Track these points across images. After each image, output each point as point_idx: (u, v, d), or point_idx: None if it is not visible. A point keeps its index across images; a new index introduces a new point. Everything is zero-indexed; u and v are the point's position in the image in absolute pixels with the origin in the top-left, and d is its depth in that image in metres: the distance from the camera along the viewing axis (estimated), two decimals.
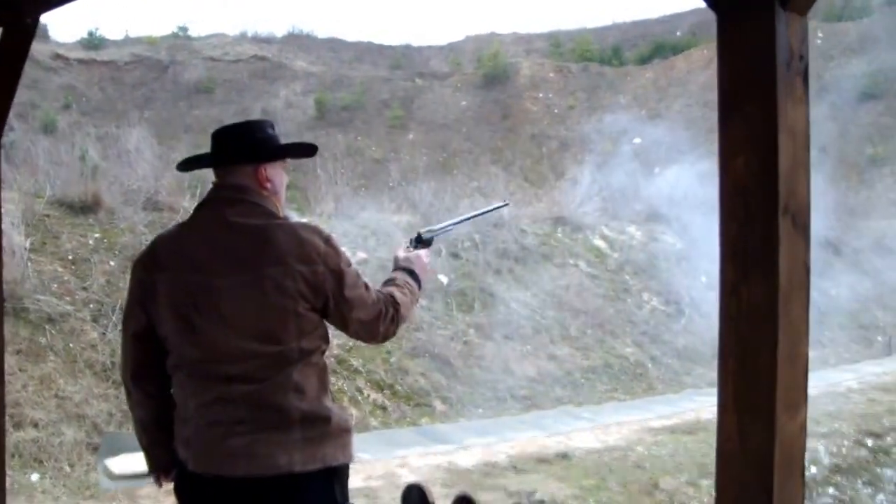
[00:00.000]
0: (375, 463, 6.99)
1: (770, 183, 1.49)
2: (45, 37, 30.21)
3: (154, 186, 10.28)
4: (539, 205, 17.20)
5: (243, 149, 2.44)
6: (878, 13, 31.46)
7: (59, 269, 8.70)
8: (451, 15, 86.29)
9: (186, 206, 10.22)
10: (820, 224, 13.88)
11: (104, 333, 8.04)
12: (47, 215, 9.48)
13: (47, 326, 7.84)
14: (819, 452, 7.04)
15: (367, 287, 2.44)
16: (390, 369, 9.16)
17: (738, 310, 1.55)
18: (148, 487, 5.76)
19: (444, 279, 11.01)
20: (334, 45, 40.21)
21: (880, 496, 6.66)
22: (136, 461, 6.26)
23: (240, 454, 2.24)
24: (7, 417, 6.00)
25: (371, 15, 79.65)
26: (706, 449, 7.41)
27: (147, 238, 9.34)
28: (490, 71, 35.76)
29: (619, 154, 30.38)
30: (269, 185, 2.44)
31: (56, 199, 9.89)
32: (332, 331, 2.47)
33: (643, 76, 36.27)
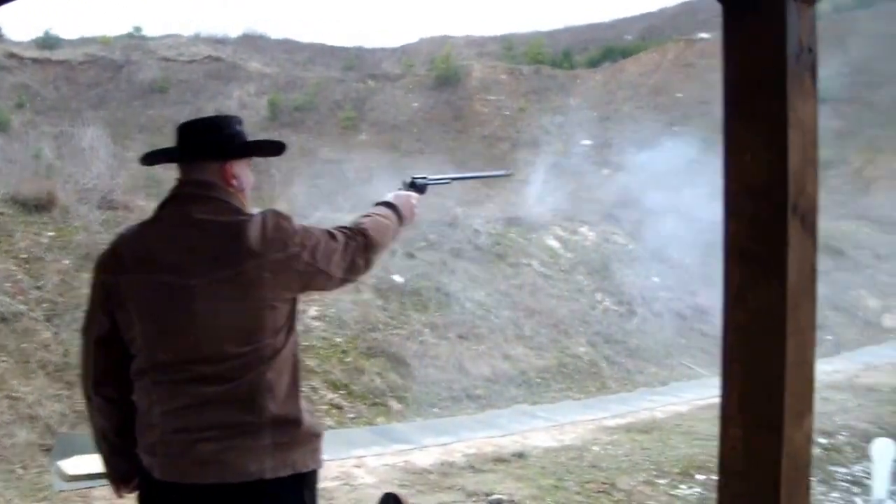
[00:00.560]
0: (331, 463, 6.86)
1: (780, 181, 1.43)
2: None
3: (109, 185, 10.09)
4: (491, 205, 17.21)
5: (210, 144, 2.35)
6: (825, 19, 32.13)
7: (13, 268, 8.55)
8: (403, 17, 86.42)
9: (142, 204, 10.10)
10: None
11: (57, 333, 7.90)
12: (0, 213, 9.31)
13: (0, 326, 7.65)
14: None
15: (333, 237, 2.40)
16: (346, 369, 9.07)
17: (745, 314, 1.48)
18: (102, 489, 5.60)
19: (399, 279, 10.93)
20: (288, 46, 40.25)
21: (834, 494, 6.73)
22: (90, 462, 6.07)
23: (209, 461, 2.15)
24: None
25: (325, 16, 79.41)
26: (662, 448, 7.44)
27: (102, 237, 9.19)
28: (442, 73, 35.89)
29: (569, 155, 30.62)
30: (235, 182, 2.35)
31: (10, 197, 9.74)
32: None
33: (593, 79, 36.61)
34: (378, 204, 2.73)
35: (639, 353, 11.46)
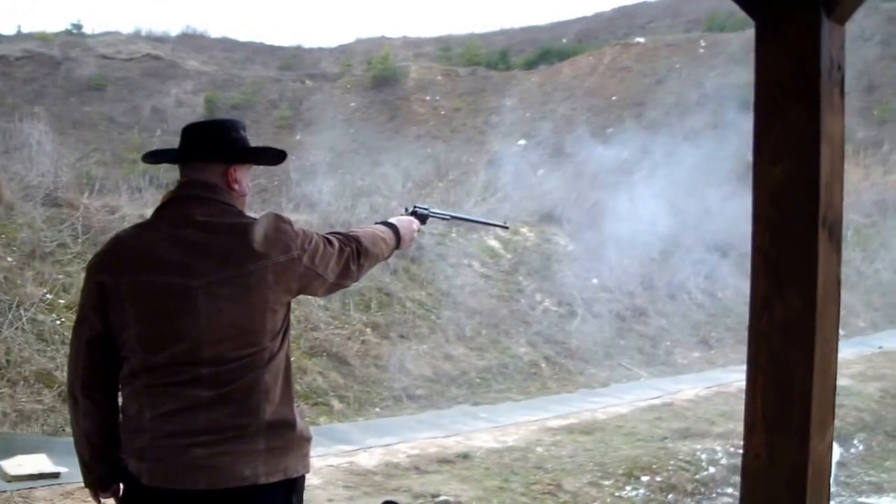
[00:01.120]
0: None
1: (810, 193, 1.45)
2: None
3: (54, 182, 9.80)
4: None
5: (216, 147, 2.34)
6: None
7: None
8: (341, 17, 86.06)
9: (86, 202, 9.86)
10: (706, 228, 14.41)
11: None
12: None
13: None
14: (717, 453, 7.24)
15: (330, 242, 2.43)
16: None
17: (771, 324, 1.50)
18: (44, 490, 5.45)
19: None
20: (227, 44, 40.06)
21: None
22: (32, 462, 5.90)
23: (202, 466, 2.12)
24: None
25: (263, 15, 78.61)
26: (605, 449, 7.52)
27: (46, 234, 8.99)
28: (379, 73, 36.09)
29: (505, 156, 30.77)
30: (236, 186, 2.36)
31: None
32: None
33: (529, 80, 36.94)
34: (379, 222, 2.80)
35: (578, 353, 11.58)
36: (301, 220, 11.55)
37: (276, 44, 43.18)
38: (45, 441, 6.66)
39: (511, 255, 13.62)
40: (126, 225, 9.39)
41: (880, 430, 8.82)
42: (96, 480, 2.37)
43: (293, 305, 2.40)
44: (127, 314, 2.19)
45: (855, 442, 8.39)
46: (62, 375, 7.41)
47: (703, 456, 7.22)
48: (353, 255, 2.49)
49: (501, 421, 8.77)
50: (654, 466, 6.95)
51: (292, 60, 39.81)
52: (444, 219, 3.24)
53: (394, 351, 10.19)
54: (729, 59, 31.99)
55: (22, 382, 7.23)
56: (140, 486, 2.19)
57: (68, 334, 7.78)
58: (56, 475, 5.65)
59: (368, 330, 10.32)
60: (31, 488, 5.60)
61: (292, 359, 2.41)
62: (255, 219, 2.29)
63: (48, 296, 8.32)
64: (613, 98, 33.14)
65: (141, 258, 2.22)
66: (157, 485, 2.16)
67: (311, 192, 13.51)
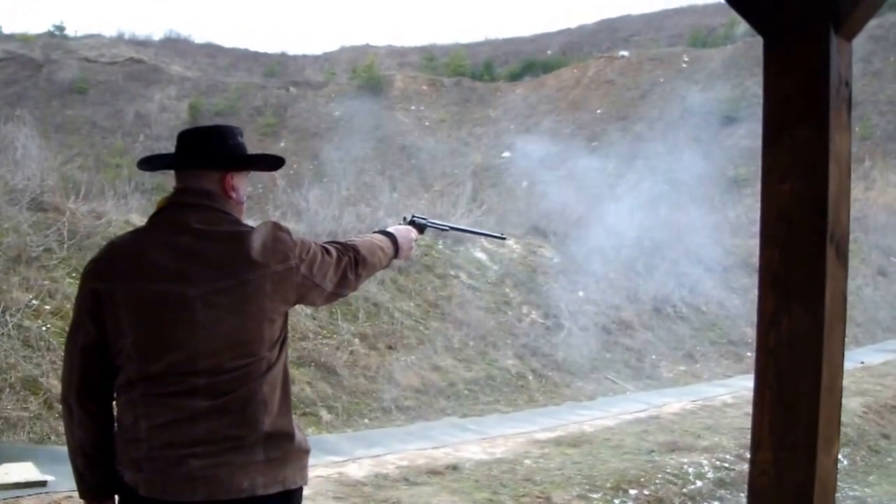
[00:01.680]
0: None
1: (818, 210, 1.46)
2: None
3: (40, 186, 9.70)
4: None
5: (213, 154, 2.31)
6: (741, 41, 33.26)
7: None
8: (326, 25, 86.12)
9: (72, 207, 9.77)
10: (691, 241, 14.48)
11: None
12: None
13: None
14: (703, 466, 7.24)
15: (328, 251, 2.42)
16: None
17: (778, 340, 1.50)
18: (31, 499, 5.38)
19: None
20: (211, 50, 39.99)
21: None
22: (19, 470, 5.82)
23: (199, 477, 2.10)
24: None
25: (248, 22, 78.52)
26: (593, 461, 7.50)
27: (32, 239, 8.89)
28: (364, 82, 36.15)
29: (490, 167, 30.85)
30: (234, 193, 2.34)
31: None
32: None
33: (514, 92, 37.08)
34: (377, 231, 2.78)
35: (565, 366, 11.59)
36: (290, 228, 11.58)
37: (261, 50, 43.35)
38: (31, 449, 6.57)
39: (498, 266, 13.63)
40: (112, 230, 9.35)
41: (863, 445, 8.86)
42: (91, 491, 2.33)
43: None
44: (122, 322, 2.16)
45: (839, 457, 8.42)
46: (48, 382, 7.34)
47: (691, 469, 7.22)
48: (350, 264, 2.47)
49: (490, 433, 8.75)
50: (642, 480, 6.95)
51: (277, 67, 39.88)
52: (442, 229, 3.23)
53: (382, 362, 10.16)
54: (711, 74, 32.26)
55: (7, 389, 7.15)
56: (137, 497, 2.16)
57: (54, 340, 7.75)
58: (43, 483, 5.57)
59: (357, 340, 10.29)
60: (17, 497, 5.53)
61: None
62: (252, 227, 2.27)
63: (34, 301, 8.24)
64: (598, 111, 33.33)
65: (136, 265, 2.19)
66: (154, 496, 2.13)
67: (297, 200, 13.47)
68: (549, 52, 42.12)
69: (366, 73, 36.61)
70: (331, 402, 9.09)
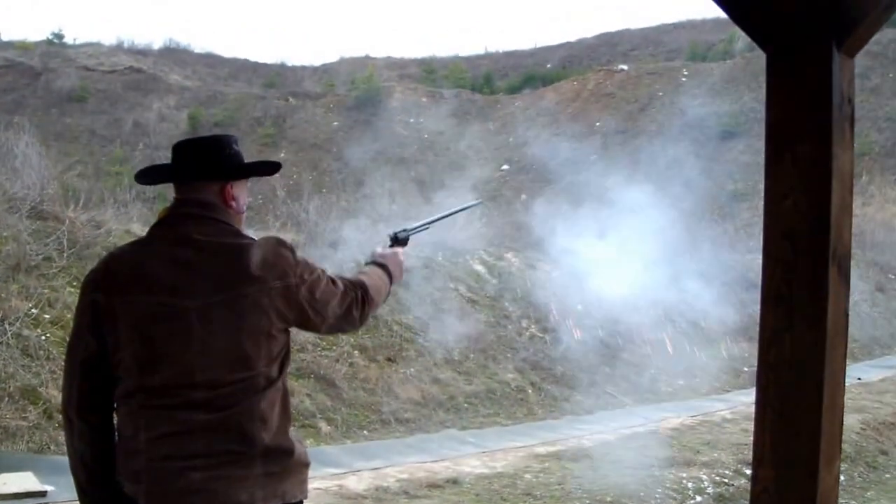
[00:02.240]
0: None
1: (821, 227, 1.46)
2: None
3: (40, 195, 9.69)
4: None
5: (211, 164, 2.30)
6: (740, 57, 33.37)
7: None
8: (326, 36, 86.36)
9: (72, 216, 9.75)
10: (690, 256, 14.46)
11: None
12: None
13: None
14: (703, 481, 7.23)
15: (334, 282, 2.38)
16: None
17: (780, 357, 1.50)
18: None
19: None
20: (210, 60, 40.03)
21: None
22: (18, 480, 5.80)
23: (198, 490, 2.09)
24: None
25: (248, 32, 78.73)
26: (593, 476, 7.48)
27: (33, 248, 8.88)
28: (363, 93, 36.14)
29: (489, 180, 30.85)
30: (234, 203, 2.32)
31: None
32: None
33: (513, 105, 37.14)
34: (368, 264, 2.75)
35: (564, 380, 11.57)
36: (287, 239, 11.57)
37: (260, 61, 43.37)
38: (31, 459, 6.55)
39: (496, 280, 13.62)
40: (112, 239, 9.34)
41: (861, 461, 8.85)
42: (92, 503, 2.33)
43: None
44: (121, 334, 2.15)
45: None
46: (48, 392, 7.33)
47: (690, 485, 7.21)
48: (356, 301, 2.43)
49: (489, 446, 8.73)
50: (642, 494, 6.93)
51: (276, 78, 39.93)
52: (424, 229, 3.22)
53: (381, 374, 10.15)
54: (710, 89, 32.33)
55: (7, 399, 7.14)
56: None
57: (54, 350, 7.73)
58: (43, 494, 5.54)
59: (356, 352, 10.28)
60: None
61: None
62: (254, 240, 2.26)
63: (33, 310, 8.22)
64: (597, 124, 33.39)
65: (135, 277, 2.18)
66: None
67: (297, 210, 13.47)
68: (548, 65, 42.22)
69: (364, 84, 36.62)
70: (330, 413, 9.07)
